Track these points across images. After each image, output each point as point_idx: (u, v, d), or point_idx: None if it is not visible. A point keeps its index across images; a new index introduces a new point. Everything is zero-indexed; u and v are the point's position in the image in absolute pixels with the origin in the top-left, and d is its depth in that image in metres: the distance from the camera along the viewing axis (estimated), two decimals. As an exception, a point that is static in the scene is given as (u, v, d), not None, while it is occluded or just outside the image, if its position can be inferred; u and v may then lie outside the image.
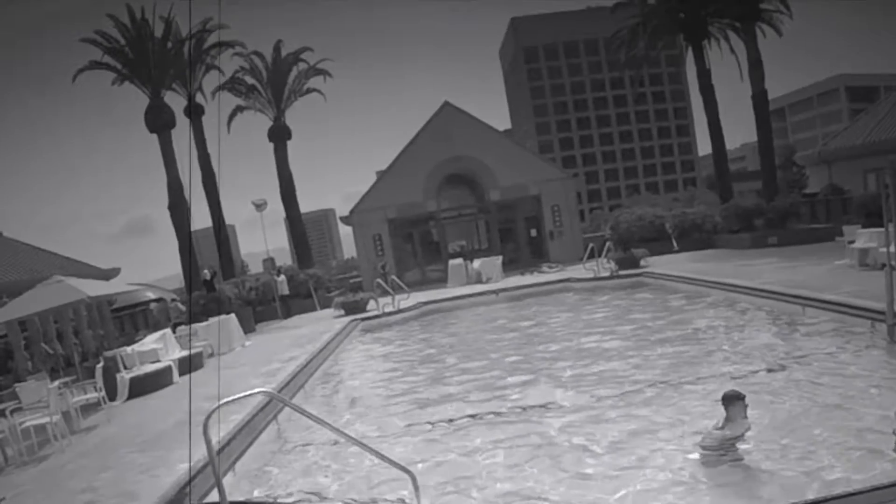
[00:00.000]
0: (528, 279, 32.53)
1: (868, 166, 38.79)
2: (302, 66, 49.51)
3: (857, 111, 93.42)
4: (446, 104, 41.11)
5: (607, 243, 32.10)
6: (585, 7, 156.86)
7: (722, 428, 8.70)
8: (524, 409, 12.22)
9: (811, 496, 7.06)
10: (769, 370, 12.58)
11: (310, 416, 8.34)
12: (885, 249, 15.56)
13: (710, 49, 44.32)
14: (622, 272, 28.82)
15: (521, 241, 43.18)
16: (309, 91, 49.78)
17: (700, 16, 42.93)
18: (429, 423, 12.12)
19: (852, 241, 22.72)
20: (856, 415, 9.59)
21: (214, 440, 7.01)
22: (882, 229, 19.75)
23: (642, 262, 30.13)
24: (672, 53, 54.34)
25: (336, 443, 10.95)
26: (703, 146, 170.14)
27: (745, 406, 8.66)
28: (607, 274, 28.95)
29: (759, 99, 40.81)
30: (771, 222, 34.04)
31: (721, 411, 8.80)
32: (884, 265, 15.75)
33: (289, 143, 48.81)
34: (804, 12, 51.40)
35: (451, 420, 12.13)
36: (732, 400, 8.65)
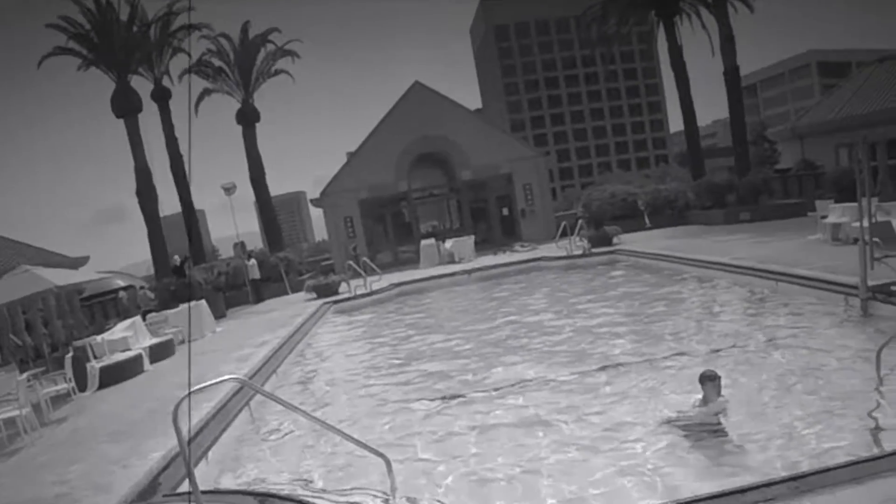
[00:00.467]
0: (501, 258, 32.53)
1: (840, 141, 38.97)
2: (270, 47, 48.99)
3: (828, 87, 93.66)
4: (416, 84, 40.94)
5: (580, 221, 32.15)
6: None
7: (700, 406, 8.88)
8: (498, 387, 12.25)
9: (785, 472, 7.11)
10: (741, 346, 12.66)
11: (281, 402, 8.30)
12: (857, 224, 15.67)
13: (682, 25, 44.22)
14: (595, 250, 28.88)
15: (493, 220, 43.17)
16: (277, 73, 49.25)
17: (671, -9, 42.84)
18: (404, 404, 12.12)
19: (825, 217, 22.83)
20: (829, 388, 9.70)
21: (185, 429, 6.94)
22: (854, 204, 19.88)
23: (615, 240, 30.21)
24: (643, 30, 54.28)
25: (310, 428, 10.89)
26: (675, 123, 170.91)
27: (720, 385, 8.78)
28: (580, 252, 28.98)
29: (731, 75, 40.84)
30: (743, 198, 34.18)
31: (699, 390, 8.93)
32: (856, 240, 15.86)
33: (257, 125, 48.27)
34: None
35: (427, 400, 12.16)
36: (707, 380, 8.79)
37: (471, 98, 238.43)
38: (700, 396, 8.94)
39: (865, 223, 13.81)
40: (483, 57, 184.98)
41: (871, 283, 13.20)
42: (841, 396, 9.28)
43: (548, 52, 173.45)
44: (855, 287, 13.43)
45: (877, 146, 23.95)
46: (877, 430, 8.13)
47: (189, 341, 22.62)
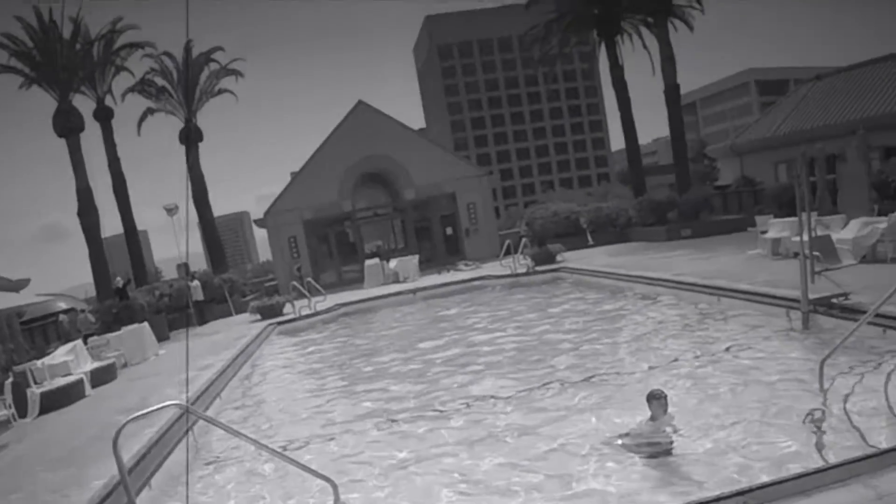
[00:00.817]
0: (445, 277, 32.59)
1: (779, 158, 39.63)
2: (213, 66, 48.75)
3: (767, 104, 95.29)
4: (360, 103, 40.97)
5: (523, 240, 32.33)
6: (500, 4, 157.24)
7: (647, 424, 9.04)
8: (444, 407, 12.27)
9: (734, 486, 7.19)
10: (686, 360, 12.79)
11: (224, 427, 8.23)
12: (797, 238, 15.93)
13: (623, 45, 44.81)
14: (539, 268, 29.07)
15: (437, 239, 43.25)
16: (220, 92, 48.99)
17: (613, 11, 43.35)
18: (350, 426, 12.08)
19: (765, 231, 23.26)
20: (774, 401, 9.84)
21: (126, 456, 6.86)
22: (794, 219, 20.28)
23: (558, 258, 30.44)
24: (585, 50, 54.78)
25: (256, 453, 10.80)
26: (617, 141, 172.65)
27: (666, 403, 8.91)
28: (524, 270, 29.15)
29: (671, 93, 41.36)
30: (684, 215, 34.63)
31: (645, 407, 9.06)
32: (796, 254, 16.13)
33: (200, 145, 47.96)
34: (716, 7, 52.29)
35: (374, 421, 12.13)
36: (653, 398, 8.95)
37: (414, 117, 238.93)
38: (648, 415, 9.06)
39: (806, 237, 14.06)
40: (426, 76, 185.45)
41: (812, 296, 13.46)
42: (786, 409, 9.43)
43: (491, 71, 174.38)
44: (796, 300, 13.66)
45: (815, 161, 24.35)
46: (822, 441, 8.27)
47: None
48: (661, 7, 40.53)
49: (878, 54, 40.05)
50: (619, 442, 9.15)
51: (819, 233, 19.02)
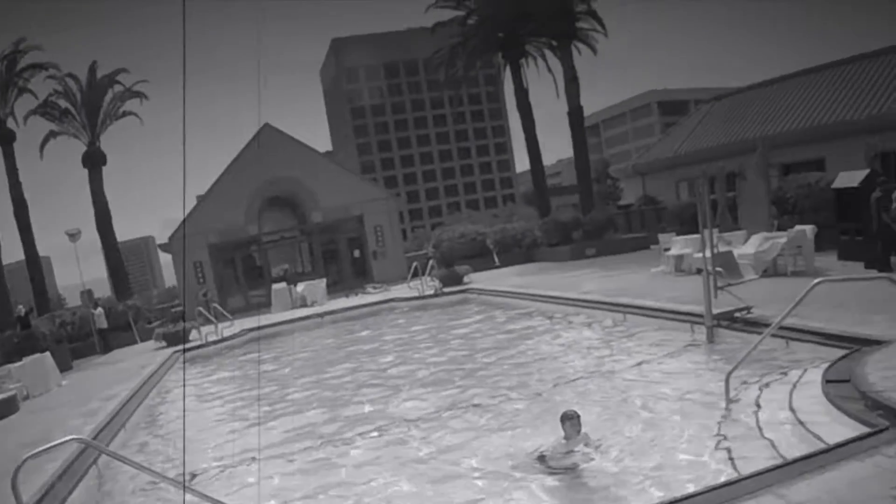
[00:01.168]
0: (353, 301, 32.42)
1: (680, 177, 40.50)
2: (118, 88, 47.89)
3: (668, 125, 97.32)
4: (266, 126, 40.59)
5: (430, 261, 32.32)
6: (406, 28, 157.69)
7: (561, 444, 9.10)
8: (357, 432, 12.14)
9: (642, 500, 7.26)
10: (595, 377, 12.91)
11: (128, 462, 8.01)
12: (699, 255, 16.23)
13: (528, 68, 45.47)
14: (446, 289, 29.12)
15: (344, 262, 43.03)
16: (125, 114, 48.16)
17: (518, 35, 43.93)
18: (258, 455, 11.87)
19: (668, 249, 23.70)
20: (682, 415, 10.00)
21: (27, 496, 6.62)
22: (696, 236, 20.73)
23: (466, 279, 30.54)
24: (490, 73, 55.18)
25: (162, 486, 10.53)
26: (522, 162, 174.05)
27: (580, 423, 8.97)
28: (432, 292, 29.16)
29: (575, 115, 41.95)
30: (589, 234, 35.15)
31: (559, 428, 9.11)
32: (699, 270, 16.44)
33: (104, 168, 47.02)
34: (619, 30, 53.26)
35: (282, 448, 11.95)
36: (566, 419, 9.01)
37: (321, 140, 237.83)
38: (560, 434, 9.11)
39: (708, 254, 14.34)
40: (333, 99, 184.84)
41: (715, 311, 13.75)
42: (694, 423, 9.56)
43: (397, 94, 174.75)
44: (701, 315, 13.93)
45: (716, 180, 24.95)
46: (730, 454, 8.40)
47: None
48: (565, 31, 41.13)
49: (775, 74, 41.28)
50: (533, 461, 9.17)
51: (721, 249, 19.47)
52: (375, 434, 11.85)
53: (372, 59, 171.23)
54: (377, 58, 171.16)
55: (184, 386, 18.98)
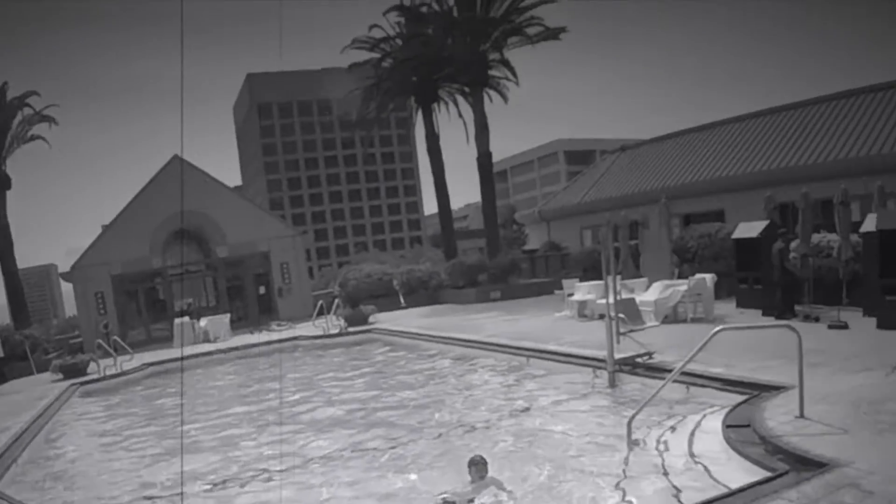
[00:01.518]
0: (257, 337, 31.96)
1: (584, 224, 41.19)
2: (27, 111, 46.78)
3: (574, 173, 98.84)
4: (175, 157, 40.04)
5: (336, 300, 32.14)
6: (321, 67, 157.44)
7: (467, 489, 9.07)
8: (255, 471, 11.95)
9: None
10: (497, 421, 12.90)
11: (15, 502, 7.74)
12: (602, 301, 16.44)
13: (440, 112, 45.85)
14: (351, 329, 28.97)
15: (249, 298, 42.46)
16: (33, 138, 47.05)
17: (432, 80, 44.30)
18: (153, 494, 11.57)
19: (571, 294, 23.97)
20: (584, 459, 10.08)
21: None
22: (599, 282, 21.05)
23: (371, 319, 30.41)
24: (403, 115, 55.43)
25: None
26: (430, 205, 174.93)
27: (485, 468, 8.94)
28: (337, 331, 28.99)
29: (484, 161, 42.29)
30: (494, 277, 35.46)
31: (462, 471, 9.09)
32: (602, 315, 16.65)
33: (8, 192, 45.82)
34: (529, 79, 54.14)
35: (175, 490, 11.61)
36: (472, 464, 9.02)
37: (231, 175, 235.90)
38: (467, 479, 9.08)
39: (611, 300, 14.55)
40: (245, 134, 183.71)
41: (617, 356, 13.94)
42: (596, 467, 9.61)
43: (309, 132, 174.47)
44: (603, 360, 14.09)
45: (619, 228, 25.48)
46: (632, 498, 8.45)
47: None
48: (478, 78, 41.51)
49: (679, 128, 42.36)
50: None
51: (623, 295, 19.76)
52: (277, 474, 11.63)
53: (286, 96, 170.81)
54: (291, 95, 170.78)
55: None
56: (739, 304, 22.18)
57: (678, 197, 32.98)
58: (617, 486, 8.89)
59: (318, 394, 18.71)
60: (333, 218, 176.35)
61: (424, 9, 42.19)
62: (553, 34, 40.76)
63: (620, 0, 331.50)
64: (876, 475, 7.24)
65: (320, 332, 29.40)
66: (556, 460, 10.31)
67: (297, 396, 18.81)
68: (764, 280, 20.80)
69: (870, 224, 17.85)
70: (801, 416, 9.42)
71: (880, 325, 16.54)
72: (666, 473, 9.02)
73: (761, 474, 7.79)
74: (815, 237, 21.31)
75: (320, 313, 30.80)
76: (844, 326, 16.91)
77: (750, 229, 21.96)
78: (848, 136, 30.67)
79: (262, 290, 42.28)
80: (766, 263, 20.30)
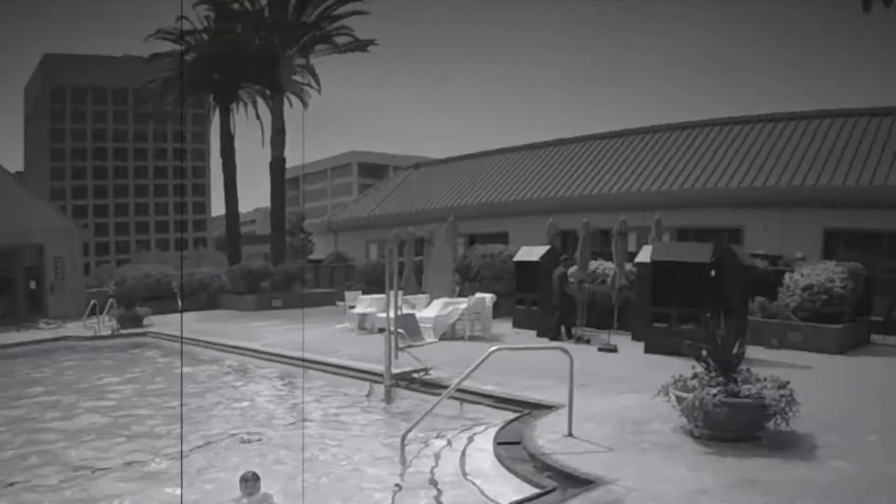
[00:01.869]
0: (23, 336, 30.21)
1: (371, 237, 41.48)
2: None
3: (366, 186, 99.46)
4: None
5: (110, 300, 30.85)
6: (123, 54, 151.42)
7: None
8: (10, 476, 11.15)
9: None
10: (269, 434, 12.59)
11: None
12: (383, 315, 16.42)
13: (238, 113, 45.12)
14: (124, 331, 27.87)
15: (18, 293, 40.28)
16: None
17: (232, 79, 43.50)
18: None
19: (353, 307, 23.95)
20: (358, 476, 9.97)
21: None
22: (381, 296, 21.14)
23: (146, 321, 29.37)
24: (199, 112, 54.21)
25: None
26: (218, 207, 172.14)
27: (256, 485, 8.65)
28: (108, 332, 27.78)
29: (277, 165, 41.95)
30: (277, 285, 35.20)
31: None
32: (382, 329, 16.62)
33: None
34: (330, 88, 54.07)
35: None
36: (242, 481, 8.71)
37: (14, 159, 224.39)
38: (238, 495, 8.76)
39: (392, 314, 14.53)
40: (34, 117, 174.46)
41: (395, 370, 13.94)
42: (370, 481, 9.54)
43: (101, 121, 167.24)
44: (380, 374, 14.02)
45: (405, 243, 25.79)
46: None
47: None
48: (280, 81, 41.13)
49: (477, 150, 43.33)
50: None
51: (405, 311, 19.98)
52: (61, 484, 10.82)
53: (82, 80, 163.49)
54: (87, 80, 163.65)
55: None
56: (516, 325, 22.85)
57: (466, 217, 33.65)
58: (392, 501, 8.78)
59: (84, 399, 17.71)
60: (117, 213, 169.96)
61: (236, 5, 41.51)
62: (361, 46, 41.06)
63: (433, 20, 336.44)
64: (637, 492, 7.54)
65: (91, 333, 28.08)
66: (331, 474, 10.12)
67: (51, 400, 17.74)
68: (541, 302, 21.43)
69: (644, 255, 18.79)
70: (570, 434, 9.66)
71: (648, 350, 17.46)
72: (438, 489, 9.01)
73: (530, 491, 7.91)
74: (593, 264, 22.25)
75: (93, 312, 29.43)
76: (614, 350, 17.69)
77: (531, 253, 22.67)
78: (632, 171, 32.18)
79: (32, 284, 40.19)
80: (544, 286, 20.93)
